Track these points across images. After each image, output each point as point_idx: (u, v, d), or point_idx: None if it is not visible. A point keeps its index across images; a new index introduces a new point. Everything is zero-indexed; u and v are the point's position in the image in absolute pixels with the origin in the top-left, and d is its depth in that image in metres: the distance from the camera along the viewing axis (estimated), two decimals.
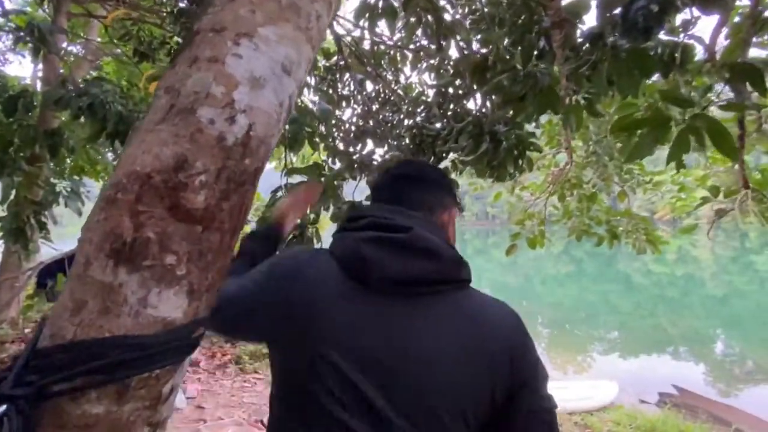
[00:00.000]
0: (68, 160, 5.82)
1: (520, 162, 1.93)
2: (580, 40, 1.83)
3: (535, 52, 1.70)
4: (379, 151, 3.03)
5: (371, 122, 3.08)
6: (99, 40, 5.41)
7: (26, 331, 4.39)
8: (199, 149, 0.59)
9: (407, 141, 2.90)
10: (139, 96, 4.04)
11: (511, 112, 1.73)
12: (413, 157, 2.67)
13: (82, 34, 5.61)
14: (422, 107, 3.10)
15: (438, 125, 2.79)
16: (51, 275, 3.80)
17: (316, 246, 2.68)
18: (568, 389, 4.09)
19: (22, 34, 3.26)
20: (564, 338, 10.00)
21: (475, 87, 2.22)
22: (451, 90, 2.87)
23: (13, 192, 3.93)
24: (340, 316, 0.70)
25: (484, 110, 2.11)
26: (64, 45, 5.74)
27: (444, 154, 2.74)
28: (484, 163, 1.83)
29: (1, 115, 3.54)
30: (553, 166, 3.98)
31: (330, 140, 2.70)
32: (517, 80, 1.57)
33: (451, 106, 2.86)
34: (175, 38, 4.08)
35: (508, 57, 1.88)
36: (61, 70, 4.64)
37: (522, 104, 1.50)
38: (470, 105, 2.65)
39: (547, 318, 12.12)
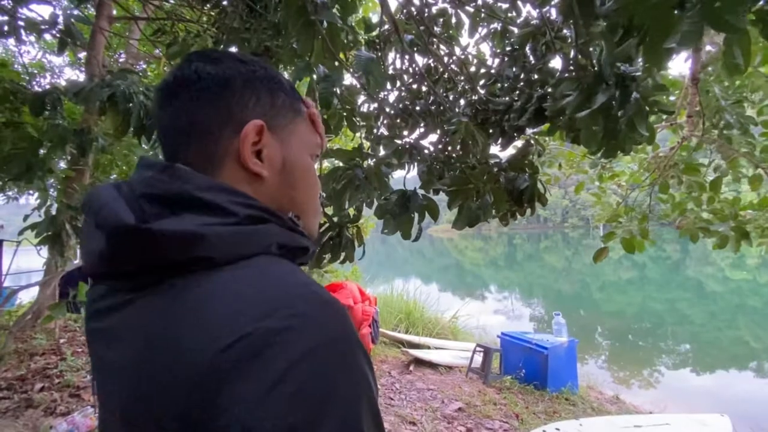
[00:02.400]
0: (114, 167, 5.78)
1: (644, 129, 1.32)
2: None
3: None
4: (432, 137, 2.52)
5: (422, 101, 2.57)
6: (137, 38, 5.30)
7: (61, 341, 4.25)
8: None
9: (467, 120, 2.37)
10: None
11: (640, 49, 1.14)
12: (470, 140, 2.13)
13: (121, 37, 5.55)
14: (484, 80, 2.55)
15: (506, 99, 2.23)
16: (74, 283, 3.58)
17: (357, 251, 2.19)
18: (669, 426, 3.33)
19: (45, 27, 3.05)
20: (629, 352, 8.90)
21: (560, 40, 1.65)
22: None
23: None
24: (92, 329, 0.53)
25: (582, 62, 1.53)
26: (108, 53, 5.73)
27: (516, 133, 2.18)
28: (600, 124, 1.22)
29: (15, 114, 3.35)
30: (652, 148, 3.17)
31: (374, 117, 2.20)
32: None
33: (522, 76, 2.29)
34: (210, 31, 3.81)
35: None
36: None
37: (676, 18, 0.93)
38: (552, 64, 2.07)
39: (607, 329, 11.01)
